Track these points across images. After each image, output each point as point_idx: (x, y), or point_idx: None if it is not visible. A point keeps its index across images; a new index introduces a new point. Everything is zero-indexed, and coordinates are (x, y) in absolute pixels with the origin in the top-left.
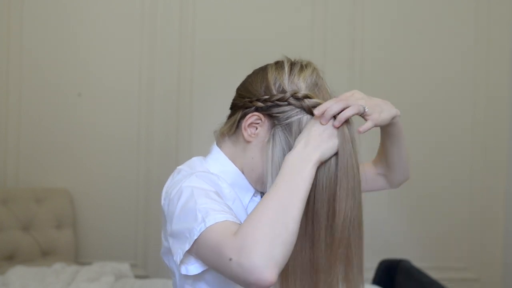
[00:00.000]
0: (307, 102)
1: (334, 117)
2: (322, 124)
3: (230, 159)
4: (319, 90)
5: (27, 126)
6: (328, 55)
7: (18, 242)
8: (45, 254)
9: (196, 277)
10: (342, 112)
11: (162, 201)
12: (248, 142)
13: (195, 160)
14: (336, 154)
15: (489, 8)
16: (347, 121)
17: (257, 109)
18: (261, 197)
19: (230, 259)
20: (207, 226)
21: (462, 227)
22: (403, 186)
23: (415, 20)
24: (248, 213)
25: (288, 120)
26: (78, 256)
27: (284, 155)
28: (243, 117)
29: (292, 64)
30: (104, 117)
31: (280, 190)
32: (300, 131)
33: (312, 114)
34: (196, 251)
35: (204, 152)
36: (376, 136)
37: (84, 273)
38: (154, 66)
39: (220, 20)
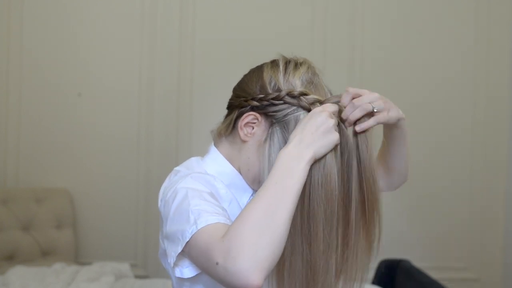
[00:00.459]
0: (304, 99)
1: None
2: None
3: (227, 159)
4: (315, 87)
5: (27, 126)
6: (328, 55)
7: (18, 242)
8: (45, 254)
9: (193, 280)
10: (351, 114)
11: (159, 203)
12: (244, 141)
13: (193, 161)
14: (332, 150)
15: (489, 8)
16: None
17: (253, 108)
18: None
19: (217, 263)
20: (198, 228)
21: (462, 227)
22: (403, 186)
23: (415, 20)
24: None
25: (285, 118)
26: (78, 256)
27: None
28: (239, 116)
29: (287, 63)
30: (104, 117)
31: (269, 191)
32: None
33: (309, 110)
34: (188, 253)
35: (204, 152)
36: (377, 140)
37: (84, 273)
38: (154, 66)
39: (220, 20)
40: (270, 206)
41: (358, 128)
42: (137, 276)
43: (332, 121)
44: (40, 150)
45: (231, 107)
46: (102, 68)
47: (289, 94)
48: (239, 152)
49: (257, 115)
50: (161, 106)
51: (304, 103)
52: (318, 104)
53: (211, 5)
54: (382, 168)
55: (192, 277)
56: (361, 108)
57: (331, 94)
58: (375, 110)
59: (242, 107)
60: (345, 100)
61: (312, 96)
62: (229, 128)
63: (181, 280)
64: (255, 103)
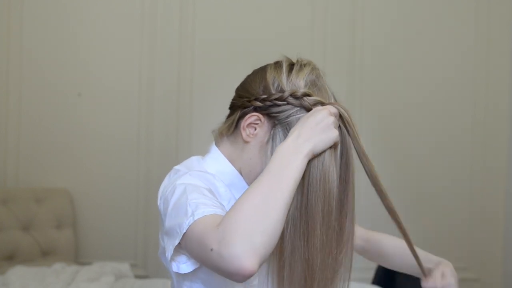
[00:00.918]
0: (307, 100)
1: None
2: None
3: (228, 159)
4: (319, 89)
5: (27, 126)
6: (328, 55)
7: (18, 242)
8: (45, 254)
9: (193, 278)
10: None
11: (158, 201)
12: (247, 142)
13: (193, 160)
14: (331, 147)
15: (489, 8)
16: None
17: (256, 109)
18: None
19: (211, 249)
20: (195, 219)
21: (462, 227)
22: (403, 186)
23: (415, 20)
24: None
25: (288, 119)
26: (78, 256)
27: None
28: (241, 117)
29: (291, 64)
30: (104, 117)
31: (266, 180)
32: None
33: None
34: (185, 245)
35: (205, 152)
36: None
37: (84, 273)
38: (154, 66)
39: (220, 20)
40: (266, 194)
41: None
42: (137, 276)
43: (332, 118)
44: (40, 150)
45: (233, 107)
46: (102, 68)
47: (292, 95)
48: (241, 153)
49: (260, 115)
50: (161, 106)
51: (307, 104)
52: (320, 106)
53: (211, 5)
54: (371, 253)
55: (190, 275)
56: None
57: (334, 96)
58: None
59: (244, 108)
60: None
61: (315, 98)
62: (231, 128)
63: (182, 278)
64: (258, 103)
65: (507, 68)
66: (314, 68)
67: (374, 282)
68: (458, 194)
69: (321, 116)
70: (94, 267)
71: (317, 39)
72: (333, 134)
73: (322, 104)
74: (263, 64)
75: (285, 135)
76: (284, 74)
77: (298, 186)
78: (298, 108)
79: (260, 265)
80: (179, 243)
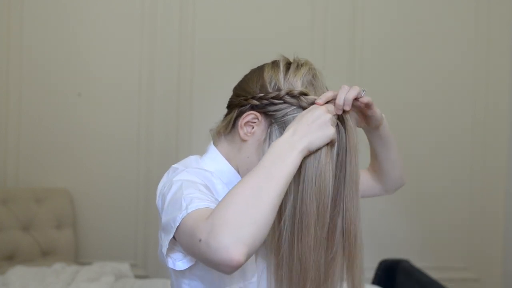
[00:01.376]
0: (304, 99)
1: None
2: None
3: (226, 158)
4: (315, 89)
5: (27, 126)
6: (328, 55)
7: (18, 242)
8: (45, 254)
9: (190, 275)
10: (347, 94)
11: (157, 199)
12: (244, 141)
13: (191, 159)
14: (327, 144)
15: (489, 8)
16: (346, 112)
17: (253, 108)
18: None
19: (200, 240)
20: (188, 212)
21: (462, 227)
22: (403, 186)
23: (415, 20)
24: None
25: (285, 118)
26: (78, 256)
27: None
28: (239, 115)
29: (288, 63)
30: (104, 117)
31: (258, 173)
32: None
33: None
34: (178, 239)
35: (204, 152)
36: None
37: (84, 273)
38: (154, 66)
39: (220, 20)
40: (257, 187)
41: (360, 100)
42: (137, 276)
43: (329, 116)
44: (40, 150)
45: (231, 106)
46: (102, 68)
47: (289, 94)
48: (238, 151)
49: (257, 114)
50: (161, 106)
51: (304, 103)
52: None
53: (211, 5)
54: (375, 172)
55: (188, 272)
56: (354, 88)
57: None
58: (363, 93)
59: (242, 106)
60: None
61: (312, 97)
62: (228, 127)
63: (179, 276)
64: (255, 102)
65: (507, 68)
66: (311, 68)
67: (374, 282)
68: (458, 194)
69: (318, 113)
70: (94, 267)
71: (317, 39)
72: (330, 132)
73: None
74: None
75: (281, 134)
76: (281, 73)
77: (293, 183)
78: (294, 107)
79: (248, 257)
80: (174, 237)
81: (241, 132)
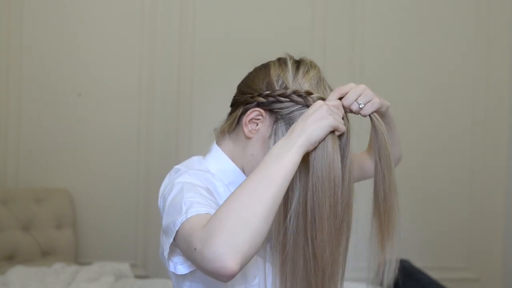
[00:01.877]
0: (310, 98)
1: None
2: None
3: (230, 158)
4: (322, 92)
5: (27, 126)
6: (328, 55)
7: (18, 242)
8: (45, 254)
9: (192, 278)
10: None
11: (159, 200)
12: (249, 138)
13: (194, 160)
14: (332, 133)
15: (489, 8)
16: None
17: (259, 105)
18: None
19: (195, 249)
20: (188, 217)
21: (462, 227)
22: (403, 186)
23: (415, 20)
24: None
25: (291, 114)
26: (78, 256)
27: None
28: (244, 113)
29: (297, 63)
30: (104, 117)
31: (253, 178)
32: None
33: None
34: (177, 243)
35: (204, 152)
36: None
37: (84, 273)
38: (154, 66)
39: (220, 20)
40: (254, 190)
41: (362, 112)
42: (137, 276)
43: (325, 107)
44: (40, 150)
45: (235, 104)
46: (102, 68)
47: (296, 93)
48: (243, 150)
49: (262, 111)
50: (161, 106)
51: (310, 102)
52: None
53: (211, 5)
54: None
55: (189, 276)
56: (348, 109)
57: None
58: (360, 107)
59: (247, 104)
60: (332, 99)
61: (317, 95)
62: (233, 125)
63: (181, 279)
64: (261, 99)
65: (507, 68)
66: (319, 71)
67: (374, 282)
68: (458, 194)
69: (313, 108)
70: (94, 267)
71: (317, 39)
72: (328, 121)
73: (324, 100)
74: None
75: (287, 130)
76: (290, 73)
77: (301, 180)
78: (300, 106)
79: (244, 265)
80: (174, 240)
81: (246, 130)
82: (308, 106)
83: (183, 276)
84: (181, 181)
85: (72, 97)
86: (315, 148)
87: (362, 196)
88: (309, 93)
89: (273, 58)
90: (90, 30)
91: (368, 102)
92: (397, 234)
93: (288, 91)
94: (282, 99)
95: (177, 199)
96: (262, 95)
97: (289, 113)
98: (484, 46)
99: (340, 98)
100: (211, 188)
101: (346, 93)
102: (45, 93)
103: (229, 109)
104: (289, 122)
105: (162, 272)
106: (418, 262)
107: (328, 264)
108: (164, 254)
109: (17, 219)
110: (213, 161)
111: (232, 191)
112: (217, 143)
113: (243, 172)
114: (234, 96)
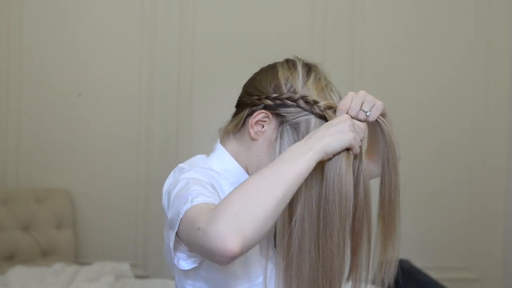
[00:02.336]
0: (316, 107)
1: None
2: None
3: (234, 157)
4: (330, 99)
5: (27, 126)
6: (328, 55)
7: (18, 242)
8: (45, 254)
9: (195, 276)
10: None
11: (163, 198)
12: (254, 140)
13: (198, 158)
14: (347, 150)
15: (489, 8)
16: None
17: (265, 107)
18: None
19: (198, 228)
20: (193, 204)
21: (462, 227)
22: (403, 186)
23: (415, 20)
24: None
25: (296, 120)
26: (78, 256)
27: None
28: (250, 114)
29: (307, 67)
30: (104, 117)
31: (267, 171)
32: (307, 132)
33: (321, 117)
34: (180, 231)
35: (204, 152)
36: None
37: (84, 273)
38: (154, 66)
39: (220, 20)
40: (263, 183)
41: (370, 119)
42: (137, 276)
43: (349, 122)
44: (40, 150)
45: (241, 105)
46: (102, 68)
47: (304, 98)
48: (248, 151)
49: (268, 113)
50: (161, 106)
51: (317, 110)
52: (331, 109)
53: (211, 5)
54: (372, 156)
55: (192, 273)
56: (356, 119)
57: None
58: (368, 114)
59: (254, 105)
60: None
61: (325, 103)
62: (238, 126)
63: (183, 277)
64: (268, 102)
65: (507, 68)
66: (326, 77)
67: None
68: (458, 194)
69: (338, 120)
70: (94, 267)
71: (317, 39)
72: (348, 136)
73: (331, 107)
74: (263, 64)
75: (293, 133)
76: (300, 78)
77: (313, 187)
78: (306, 112)
79: (244, 250)
80: (177, 235)
81: (252, 131)
82: (313, 113)
83: (186, 274)
84: (186, 177)
85: (72, 97)
86: (330, 159)
87: None
88: (316, 102)
89: (274, 58)
90: (90, 30)
91: (372, 107)
92: (398, 235)
93: (296, 96)
94: (289, 103)
95: (183, 191)
96: (269, 98)
97: (294, 118)
98: (484, 46)
99: None
100: (215, 185)
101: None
102: (45, 93)
103: (229, 109)
104: (295, 126)
105: (162, 272)
106: (418, 262)
107: (336, 272)
108: (170, 244)
109: (17, 219)
110: (217, 160)
111: None
112: (221, 142)
113: (247, 172)
114: (239, 97)
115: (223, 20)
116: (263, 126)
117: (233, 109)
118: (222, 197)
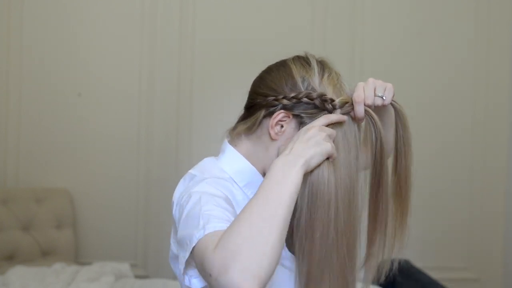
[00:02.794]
0: (331, 105)
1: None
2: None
3: (247, 158)
4: (343, 94)
5: (27, 126)
6: (328, 55)
7: (18, 242)
8: (45, 254)
9: None
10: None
11: (173, 208)
12: (274, 140)
13: (207, 162)
14: (327, 159)
15: (489, 8)
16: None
17: (283, 107)
18: None
19: (210, 275)
20: (205, 233)
21: (462, 227)
22: None
23: (415, 20)
24: None
25: (314, 118)
26: (78, 256)
27: None
28: (267, 115)
29: (321, 64)
30: (104, 117)
31: (260, 199)
32: None
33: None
34: (193, 259)
35: (204, 152)
36: None
37: (84, 273)
38: (154, 66)
39: (220, 20)
40: (263, 213)
41: (386, 102)
42: (137, 276)
43: (323, 134)
44: (40, 150)
45: (255, 106)
46: (102, 68)
47: (321, 97)
48: (266, 151)
49: (288, 113)
50: (161, 106)
51: (330, 108)
52: (346, 104)
53: (211, 5)
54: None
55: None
56: (373, 106)
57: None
58: (384, 98)
59: (271, 106)
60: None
61: (340, 99)
62: (253, 127)
63: None
64: (286, 101)
65: (507, 68)
66: (336, 72)
67: (374, 282)
68: (458, 194)
69: (312, 132)
70: (94, 267)
71: (317, 39)
72: (327, 147)
73: (347, 102)
74: (263, 64)
75: None
76: (316, 76)
77: (300, 200)
78: (320, 109)
79: (263, 286)
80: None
81: (272, 132)
82: (328, 111)
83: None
84: (199, 190)
85: (72, 97)
86: (311, 171)
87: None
88: (332, 100)
89: (274, 58)
90: (90, 30)
91: (385, 90)
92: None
93: (315, 94)
94: (308, 100)
95: (195, 211)
96: (287, 98)
97: (312, 115)
98: (484, 46)
99: (330, 124)
100: (230, 197)
101: (332, 120)
102: (45, 93)
103: (229, 109)
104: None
105: (162, 272)
106: (418, 262)
107: (327, 280)
108: (180, 267)
109: (17, 219)
110: (228, 161)
111: (249, 194)
112: (231, 143)
113: (264, 172)
114: (250, 99)
115: (223, 20)
116: (282, 126)
117: (233, 109)
118: (236, 208)
